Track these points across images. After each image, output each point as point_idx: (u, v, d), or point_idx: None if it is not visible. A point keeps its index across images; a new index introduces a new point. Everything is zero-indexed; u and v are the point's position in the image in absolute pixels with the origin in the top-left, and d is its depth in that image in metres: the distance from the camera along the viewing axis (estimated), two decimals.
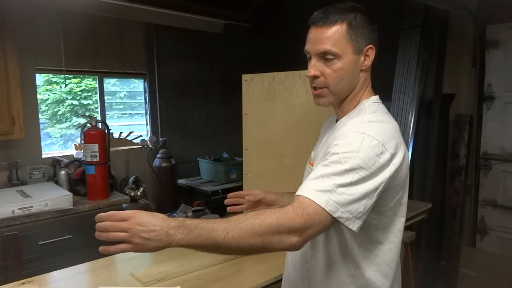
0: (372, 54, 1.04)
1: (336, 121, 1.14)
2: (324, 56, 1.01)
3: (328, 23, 1.00)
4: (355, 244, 1.03)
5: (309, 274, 1.12)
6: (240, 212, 1.10)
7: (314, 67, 1.03)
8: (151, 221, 0.85)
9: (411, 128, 2.95)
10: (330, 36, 0.99)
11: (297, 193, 0.92)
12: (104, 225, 0.87)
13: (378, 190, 0.92)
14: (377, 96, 1.10)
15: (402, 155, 0.97)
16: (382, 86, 3.67)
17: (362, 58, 1.03)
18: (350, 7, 1.02)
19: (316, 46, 1.01)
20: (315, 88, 1.06)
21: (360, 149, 0.91)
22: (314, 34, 1.02)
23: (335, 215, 0.87)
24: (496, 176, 2.84)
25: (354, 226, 0.89)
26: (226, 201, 1.28)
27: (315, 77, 1.04)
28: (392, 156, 0.94)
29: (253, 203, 1.27)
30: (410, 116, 2.97)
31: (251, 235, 0.85)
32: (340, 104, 1.09)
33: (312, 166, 1.11)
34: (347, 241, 1.03)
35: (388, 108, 1.10)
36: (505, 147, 2.78)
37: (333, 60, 1.00)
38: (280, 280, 1.40)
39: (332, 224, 0.89)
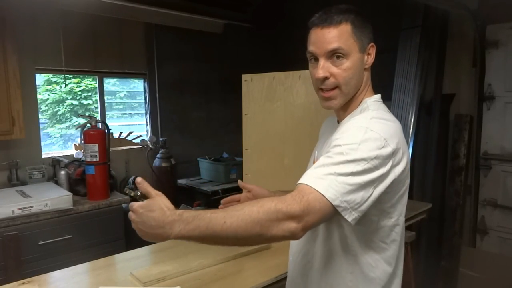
0: (373, 52, 1.06)
1: (338, 121, 1.15)
2: (333, 56, 1.01)
3: (334, 23, 1.00)
4: (356, 241, 1.03)
5: (309, 270, 1.13)
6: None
7: (323, 68, 1.02)
8: (150, 216, 0.88)
9: (411, 128, 2.95)
10: (338, 35, 1.00)
11: (298, 182, 0.91)
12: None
13: (377, 183, 0.92)
14: (379, 95, 1.11)
15: (402, 153, 0.98)
16: (382, 86, 3.66)
17: (366, 57, 1.05)
18: (349, 8, 1.04)
19: (324, 46, 1.01)
20: (322, 90, 1.05)
21: (362, 141, 0.92)
22: (319, 35, 1.02)
23: (334, 203, 0.86)
24: (496, 176, 2.84)
25: (350, 217, 0.88)
26: (221, 207, 1.28)
27: (325, 79, 1.03)
28: (394, 152, 0.95)
29: (246, 198, 1.30)
30: (410, 116, 2.97)
31: (249, 222, 0.84)
32: (346, 104, 1.09)
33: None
34: (348, 238, 1.03)
35: (388, 108, 1.11)
36: (505, 147, 2.78)
37: (342, 60, 1.01)
38: (280, 280, 1.41)
39: (331, 214, 0.88)
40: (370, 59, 1.06)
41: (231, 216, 0.85)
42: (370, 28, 1.06)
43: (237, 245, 0.95)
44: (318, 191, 0.87)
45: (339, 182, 0.88)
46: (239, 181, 1.37)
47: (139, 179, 0.96)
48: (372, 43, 1.06)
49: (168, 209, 0.89)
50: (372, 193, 0.91)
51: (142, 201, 0.95)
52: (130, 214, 0.92)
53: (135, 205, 0.91)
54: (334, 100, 1.05)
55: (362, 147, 0.91)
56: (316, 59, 1.04)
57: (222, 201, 1.30)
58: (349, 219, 0.89)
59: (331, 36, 1.00)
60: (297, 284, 1.18)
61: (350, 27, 1.01)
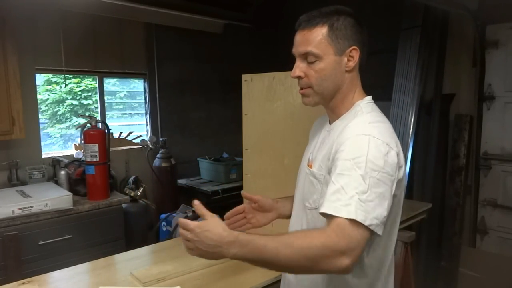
0: (356, 55, 1.06)
1: (330, 122, 1.16)
2: (307, 58, 1.05)
3: (309, 26, 1.04)
4: None
5: None
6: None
7: (298, 68, 1.08)
8: (208, 236, 0.92)
9: (411, 128, 2.95)
10: (311, 38, 1.04)
11: (324, 211, 0.92)
12: (179, 231, 0.98)
13: (391, 188, 0.95)
14: (370, 97, 1.13)
15: (402, 153, 1.01)
16: (382, 86, 3.68)
17: (346, 59, 1.06)
18: (333, 10, 1.06)
19: (299, 48, 1.07)
20: (301, 88, 1.11)
21: (369, 151, 0.94)
22: (298, 37, 1.07)
23: (366, 223, 0.88)
24: (496, 176, 2.84)
25: (380, 230, 0.91)
26: (226, 223, 1.27)
27: (299, 78, 1.08)
28: (397, 154, 0.98)
29: (250, 208, 1.30)
30: (410, 116, 2.97)
31: (300, 257, 0.88)
32: (330, 105, 1.12)
33: (311, 168, 1.11)
34: None
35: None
36: (505, 147, 2.78)
37: (315, 62, 1.05)
38: (280, 280, 1.41)
39: (370, 234, 0.90)
40: (351, 62, 1.06)
41: (283, 249, 0.89)
42: (356, 30, 1.05)
43: (288, 273, 1.01)
44: (351, 219, 0.88)
45: (363, 201, 0.90)
46: (242, 192, 1.34)
47: (196, 202, 1.00)
48: (354, 47, 1.05)
49: (224, 230, 0.93)
50: (390, 198, 0.94)
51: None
52: (184, 232, 0.95)
53: (192, 224, 0.93)
54: (307, 97, 1.11)
55: (370, 157, 0.93)
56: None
57: (226, 216, 1.27)
58: (380, 232, 0.91)
59: (304, 39, 1.05)
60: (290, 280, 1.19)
61: (326, 30, 1.03)
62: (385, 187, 0.93)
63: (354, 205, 0.89)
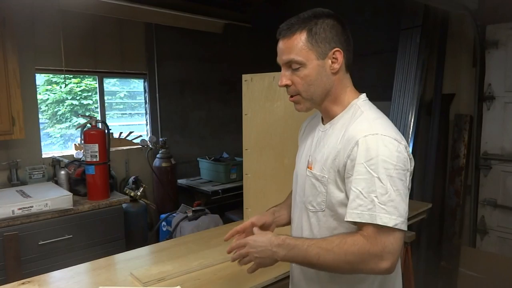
0: (340, 56, 1.06)
1: (324, 122, 1.16)
2: (291, 66, 1.06)
3: (289, 34, 1.05)
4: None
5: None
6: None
7: (284, 76, 1.08)
8: (258, 243, 1.07)
9: (411, 128, 2.95)
10: (292, 46, 1.04)
11: (349, 219, 0.97)
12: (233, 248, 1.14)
13: (408, 181, 0.98)
14: (365, 94, 1.13)
15: (407, 145, 1.03)
16: (382, 86, 3.68)
17: (330, 62, 1.06)
18: (311, 15, 1.05)
19: (282, 57, 1.07)
20: (291, 96, 1.12)
21: (380, 151, 0.95)
22: (280, 45, 1.08)
23: (391, 224, 0.92)
24: (496, 176, 2.84)
25: (405, 226, 0.94)
26: (226, 239, 1.24)
27: (287, 86, 1.09)
28: (405, 147, 1.00)
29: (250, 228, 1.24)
30: (410, 116, 2.97)
31: (340, 262, 0.95)
32: (323, 108, 1.12)
33: (311, 169, 1.10)
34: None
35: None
36: (505, 147, 2.78)
37: (299, 68, 1.05)
38: (280, 280, 1.41)
39: (403, 231, 0.94)
40: (336, 63, 1.06)
41: (325, 253, 0.97)
42: (336, 32, 1.05)
43: (331, 272, 1.05)
44: (380, 224, 0.92)
45: (384, 203, 0.93)
46: (235, 229, 1.24)
47: (254, 229, 1.17)
48: (337, 48, 1.04)
49: (272, 235, 1.07)
50: (408, 191, 0.98)
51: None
52: (241, 251, 1.09)
53: (245, 239, 1.10)
54: (299, 104, 1.12)
55: (383, 157, 0.95)
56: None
57: (225, 238, 1.23)
58: (405, 229, 0.94)
59: (286, 47, 1.06)
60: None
61: (305, 36, 1.03)
62: (402, 182, 0.95)
63: (377, 209, 0.93)
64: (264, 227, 1.25)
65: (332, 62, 1.05)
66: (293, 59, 1.04)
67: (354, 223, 0.97)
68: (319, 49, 1.04)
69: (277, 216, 1.31)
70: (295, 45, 1.04)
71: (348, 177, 0.99)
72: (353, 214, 0.95)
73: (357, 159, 0.97)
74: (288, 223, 1.29)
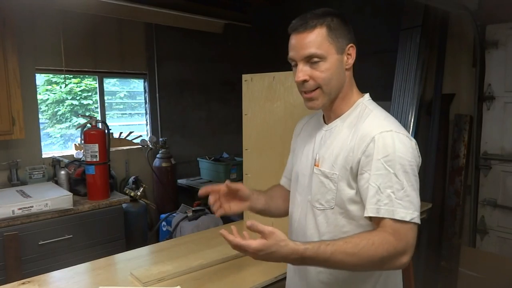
0: (353, 52, 1.09)
1: (326, 122, 1.16)
2: (310, 60, 1.05)
3: (309, 28, 1.04)
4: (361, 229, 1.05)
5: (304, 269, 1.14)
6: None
7: (302, 71, 1.06)
8: (273, 257, 0.92)
9: (411, 128, 2.95)
10: (312, 40, 1.04)
11: (369, 214, 0.98)
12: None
13: (417, 175, 1.02)
14: (368, 94, 1.15)
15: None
16: (382, 86, 3.68)
17: (345, 57, 1.08)
18: (325, 12, 1.07)
19: (301, 51, 1.05)
20: (305, 92, 1.09)
21: (396, 148, 0.98)
22: (296, 40, 1.06)
23: (407, 219, 0.95)
24: (496, 176, 2.83)
25: (419, 220, 0.97)
26: (200, 195, 1.21)
27: (304, 82, 1.07)
28: (415, 143, 1.04)
29: (227, 193, 1.21)
30: (410, 116, 2.97)
31: (366, 262, 0.93)
32: (333, 105, 1.12)
33: (318, 167, 1.10)
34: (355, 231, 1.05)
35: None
36: (505, 147, 2.78)
37: (319, 63, 1.05)
38: (280, 280, 1.41)
39: (416, 224, 0.98)
40: (350, 59, 1.09)
41: (349, 258, 0.92)
42: (348, 29, 1.08)
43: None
44: (400, 219, 0.95)
45: (400, 198, 0.96)
46: (226, 182, 1.21)
47: (249, 223, 0.92)
48: (351, 44, 1.08)
49: (287, 252, 0.91)
50: (418, 187, 1.02)
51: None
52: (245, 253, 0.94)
53: (252, 248, 0.90)
54: (316, 100, 1.09)
55: (399, 153, 0.98)
56: (296, 64, 1.08)
57: (200, 192, 1.19)
58: (419, 222, 0.97)
59: (307, 41, 1.04)
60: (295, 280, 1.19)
61: (325, 30, 1.04)
62: (415, 177, 1.00)
63: (394, 204, 0.95)
64: (238, 196, 1.22)
65: (347, 58, 1.08)
66: (315, 53, 1.04)
67: (370, 219, 0.99)
68: (338, 44, 1.06)
69: (255, 198, 1.25)
70: (315, 39, 1.04)
71: (362, 173, 1.01)
72: (373, 210, 0.97)
73: (374, 155, 0.99)
74: (260, 211, 1.27)
